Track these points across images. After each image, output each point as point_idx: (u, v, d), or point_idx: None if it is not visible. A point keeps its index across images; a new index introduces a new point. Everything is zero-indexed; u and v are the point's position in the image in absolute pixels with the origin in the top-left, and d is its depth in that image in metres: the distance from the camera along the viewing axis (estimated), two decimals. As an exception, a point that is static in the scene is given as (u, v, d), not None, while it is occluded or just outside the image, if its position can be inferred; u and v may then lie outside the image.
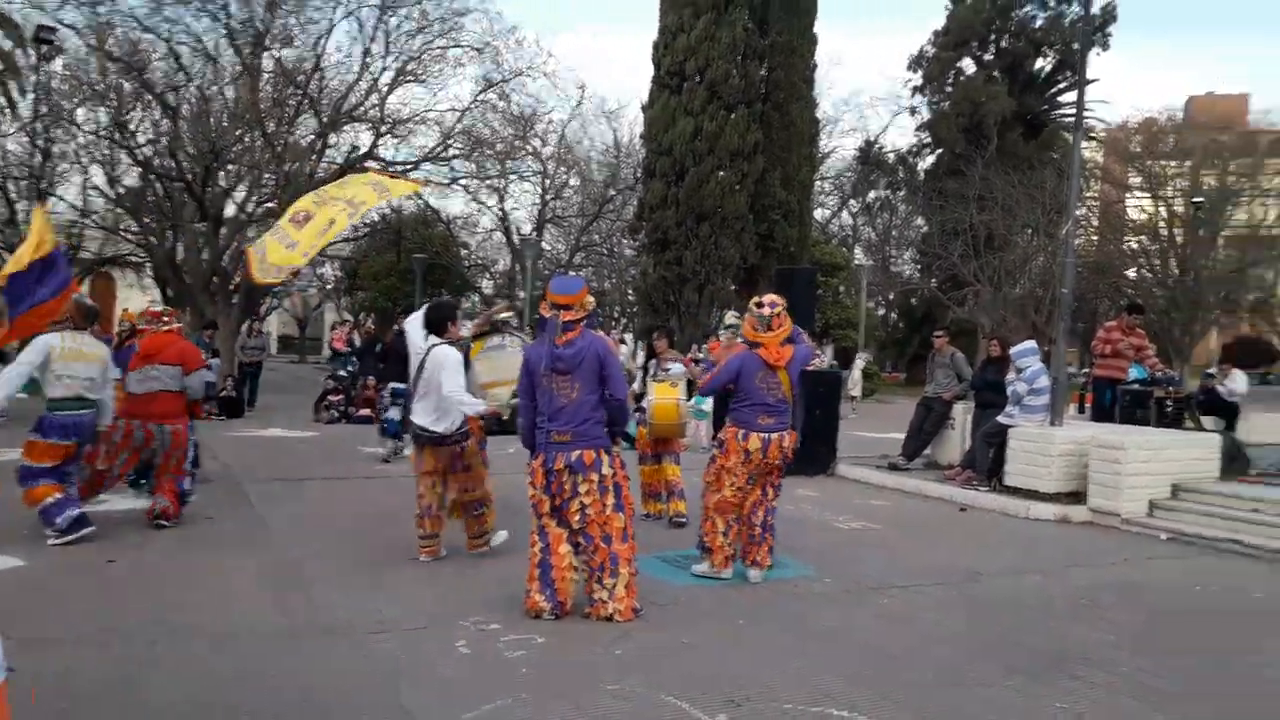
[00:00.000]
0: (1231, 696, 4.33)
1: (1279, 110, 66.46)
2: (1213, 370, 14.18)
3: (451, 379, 6.07)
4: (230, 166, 23.63)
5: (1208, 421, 11.83)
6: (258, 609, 5.26)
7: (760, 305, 6.18)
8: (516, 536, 6.44)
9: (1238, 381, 12.75)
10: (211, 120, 21.77)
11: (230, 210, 24.17)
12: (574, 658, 4.60)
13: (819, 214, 43.37)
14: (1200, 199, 37.02)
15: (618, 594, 5.18)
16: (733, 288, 26.54)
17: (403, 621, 5.05)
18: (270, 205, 24.25)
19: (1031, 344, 10.56)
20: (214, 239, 22.84)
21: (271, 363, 38.61)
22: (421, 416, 6.24)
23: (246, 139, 22.75)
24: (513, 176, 30.47)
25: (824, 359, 27.18)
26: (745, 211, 25.75)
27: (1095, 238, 41.72)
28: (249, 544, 6.91)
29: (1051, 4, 44.45)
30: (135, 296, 37.25)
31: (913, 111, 46.72)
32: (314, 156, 23.70)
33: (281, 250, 7.28)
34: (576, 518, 5.23)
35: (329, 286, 49.38)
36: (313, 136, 24.26)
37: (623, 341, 20.36)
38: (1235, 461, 9.55)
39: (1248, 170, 40.27)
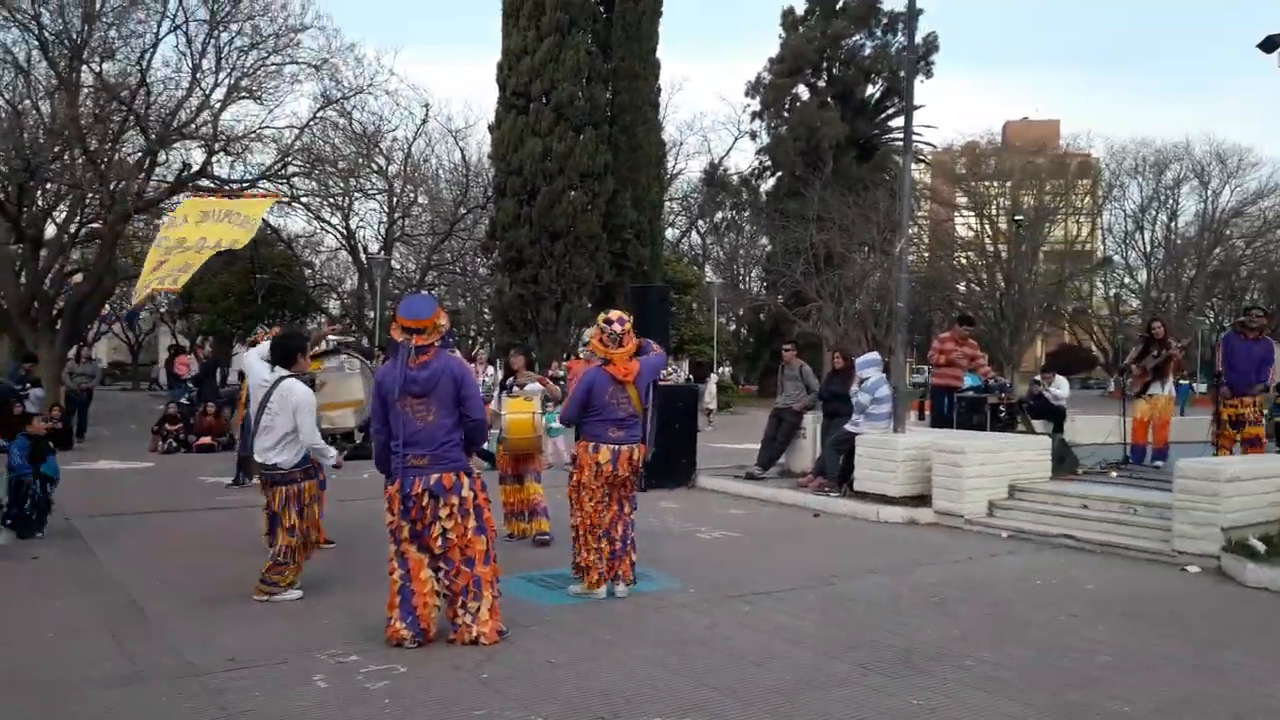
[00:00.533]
0: (1068, 684, 4.60)
1: (1087, 135, 71.77)
2: (1039, 377, 15.17)
3: (307, 422, 5.82)
4: (49, 185, 22.11)
5: (1038, 425, 12.62)
6: (98, 654, 4.90)
7: (610, 322, 6.23)
8: (369, 565, 6.23)
9: (1062, 387, 13.70)
10: (25, 136, 20.31)
11: (51, 231, 22.62)
12: (439, 685, 4.48)
13: (670, 233, 44.16)
14: (1020, 217, 39.66)
15: (481, 617, 5.08)
16: (589, 305, 26.67)
17: (256, 658, 4.80)
18: (95, 226, 22.84)
19: (874, 356, 11.02)
20: (33, 262, 21.32)
21: (102, 391, 36.26)
22: (263, 452, 5.95)
23: (66, 156, 21.34)
24: (357, 194, 29.71)
25: (679, 374, 27.65)
26: (598, 231, 25.98)
27: (927, 254, 44.12)
28: (83, 584, 6.44)
29: (878, 34, 46.84)
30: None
31: (753, 136, 48.30)
32: (142, 175, 22.45)
33: (148, 276, 7.02)
34: (438, 542, 5.10)
35: (163, 310, 46.84)
36: (140, 154, 22.99)
37: (492, 363, 20.15)
38: (1064, 461, 10.21)
39: (1060, 190, 43.45)
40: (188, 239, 7.57)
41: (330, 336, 7.78)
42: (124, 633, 5.28)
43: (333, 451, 6.07)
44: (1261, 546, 7.08)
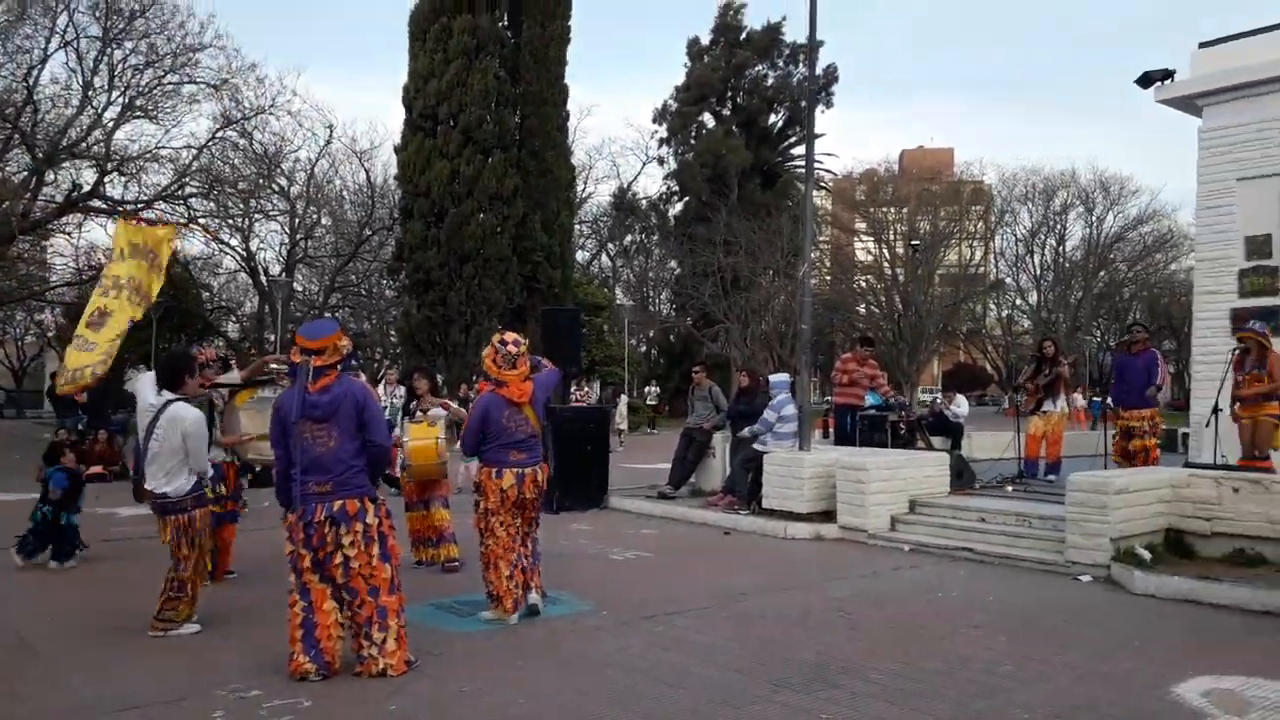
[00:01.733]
0: (972, 694, 4.73)
1: (980, 163, 74.61)
2: (939, 397, 15.67)
3: (198, 449, 5.65)
4: (-76, 204, 21.01)
5: (936, 441, 12.99)
6: (-22, 697, 4.64)
7: (504, 343, 6.18)
8: (271, 598, 6.05)
9: (961, 405, 14.16)
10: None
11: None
12: (346, 718, 4.37)
13: (580, 256, 44.24)
14: (917, 242, 40.91)
15: (388, 648, 4.97)
16: (499, 328, 26.49)
17: (153, 696, 4.60)
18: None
19: (784, 376, 11.21)
20: (-95, 284, 20.19)
21: (-20, 421, 34.35)
22: (152, 479, 5.73)
23: (-56, 173, 20.34)
24: (258, 216, 29.01)
25: (591, 396, 27.63)
26: (508, 253, 25.89)
27: (829, 278, 45.14)
28: (-40, 626, 6.09)
29: (780, 64, 47.93)
30: None
31: (661, 161, 48.83)
32: (28, 195, 21.51)
33: (79, 355, 6.64)
34: (340, 571, 4.97)
35: (50, 334, 44.74)
36: (25, 173, 22.03)
37: (402, 382, 19.80)
38: (962, 477, 10.53)
39: (955, 216, 45.01)
40: (120, 276, 7.20)
41: (271, 365, 7.51)
42: (15, 671, 5.02)
43: (208, 468, 5.89)
44: (1147, 555, 7.43)
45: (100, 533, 9.99)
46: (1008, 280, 49.24)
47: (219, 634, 5.81)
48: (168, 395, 5.77)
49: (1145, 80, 12.46)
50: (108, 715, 4.36)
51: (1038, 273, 48.21)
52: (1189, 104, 12.20)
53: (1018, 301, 50.27)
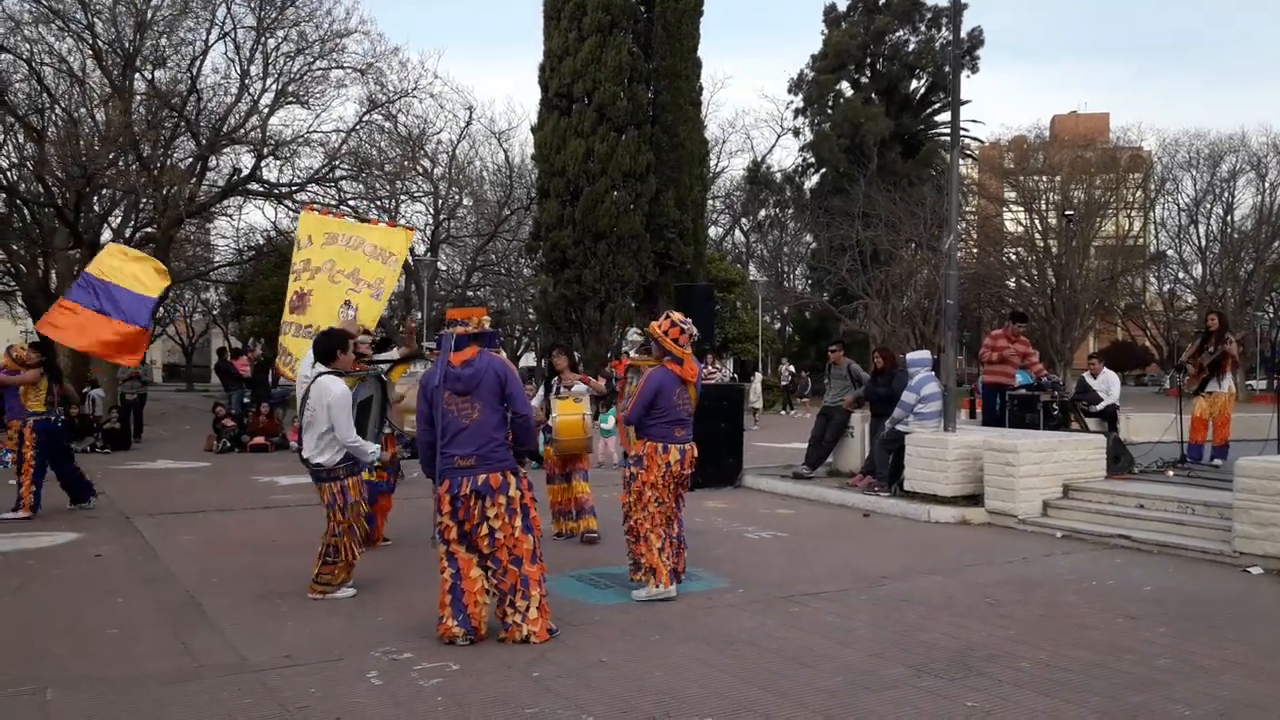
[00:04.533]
0: (1126, 686, 4.51)
1: (1138, 128, 70.41)
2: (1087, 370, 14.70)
3: (345, 424, 5.86)
4: (104, 191, 22.64)
5: (1092, 423, 12.38)
6: (158, 650, 5.01)
7: (687, 321, 6.22)
8: (422, 564, 6.29)
9: (1111, 383, 13.29)
10: (81, 143, 20.82)
11: (107, 236, 23.13)
12: (490, 683, 4.51)
13: (713, 232, 44.09)
14: (1071, 212, 38.94)
15: (531, 616, 5.10)
16: (632, 305, 26.70)
17: (311, 655, 4.88)
18: (149, 230, 23.35)
19: (924, 354, 10.89)
20: (90, 266, 21.81)
21: (157, 392, 36.99)
22: (307, 449, 6.02)
23: (120, 162, 21.84)
24: (403, 197, 30.05)
25: (724, 373, 27.58)
26: (641, 230, 25.97)
27: (975, 250, 43.50)
28: (143, 581, 6.59)
29: (922, 29, 46.39)
30: (5, 326, 35.31)
31: (796, 133, 48.08)
32: (194, 179, 22.90)
33: (301, 342, 7.10)
34: (485, 542, 5.13)
35: (215, 312, 47.72)
36: (191, 159, 23.46)
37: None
38: (1119, 460, 10.00)
39: (1111, 184, 42.60)
40: (313, 260, 7.64)
41: (426, 344, 7.86)
42: (184, 629, 5.39)
43: (372, 448, 6.09)
44: (1327, 547, 6.90)
45: (261, 500, 10.64)
46: (1169, 252, 46.42)
47: (373, 597, 6.09)
48: (320, 369, 6.07)
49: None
50: (270, 672, 4.63)
51: (1202, 244, 45.25)
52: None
53: (1180, 275, 47.35)
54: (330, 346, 6.19)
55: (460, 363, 5.14)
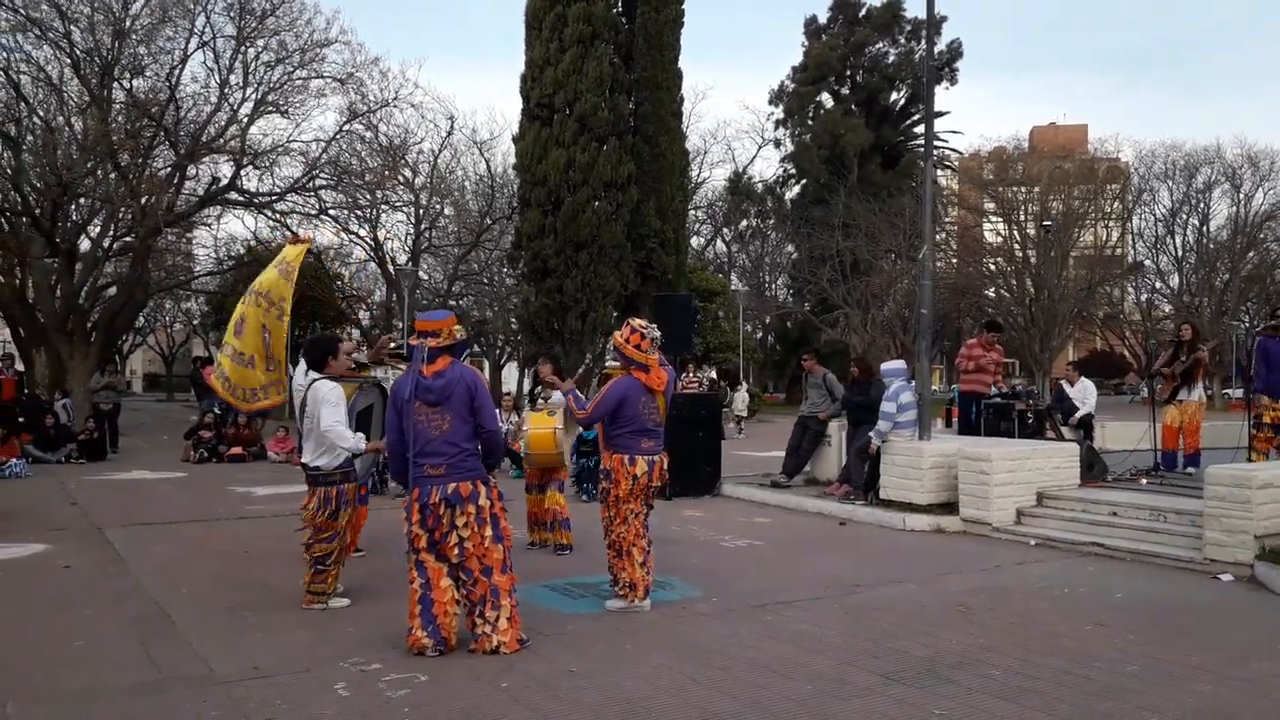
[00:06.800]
0: (1096, 694, 4.53)
1: (1115, 140, 70.97)
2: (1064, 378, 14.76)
3: (330, 414, 5.87)
4: (82, 200, 22.49)
5: (1066, 431, 12.45)
6: (125, 662, 4.96)
7: (650, 326, 6.14)
8: (392, 574, 6.25)
9: (1087, 391, 13.38)
10: (59, 152, 20.67)
11: (85, 246, 22.97)
12: (459, 694, 4.48)
13: (694, 242, 44.12)
14: (1049, 223, 39.23)
15: (501, 626, 5.08)
16: (614, 315, 26.69)
17: (278, 666, 4.84)
18: (128, 239, 23.19)
19: (899, 364, 10.93)
20: (68, 275, 21.66)
21: (137, 402, 36.66)
22: (307, 454, 6.04)
23: (98, 172, 21.70)
24: (384, 206, 29.96)
25: (704, 383, 27.58)
26: (623, 240, 25.99)
27: (955, 261, 43.78)
28: (112, 593, 6.52)
29: (902, 41, 46.77)
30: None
31: (777, 144, 48.28)
32: (172, 189, 22.77)
33: (242, 371, 6.95)
34: (455, 551, 5.11)
35: (195, 322, 47.40)
36: (170, 169, 23.32)
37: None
38: (1093, 468, 10.06)
39: (1089, 195, 42.97)
40: (258, 286, 7.50)
41: (391, 345, 7.81)
42: (151, 641, 5.34)
43: (359, 438, 6.05)
44: (1296, 554, 6.95)
45: (236, 510, 10.55)
46: (1147, 262, 46.78)
47: (343, 608, 6.05)
48: (313, 375, 6.07)
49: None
50: (237, 684, 4.58)
51: (1179, 254, 45.65)
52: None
53: (1158, 285, 47.73)
54: (320, 354, 6.20)
55: (432, 374, 5.13)
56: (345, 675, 4.71)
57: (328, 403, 5.88)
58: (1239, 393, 45.46)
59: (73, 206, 22.45)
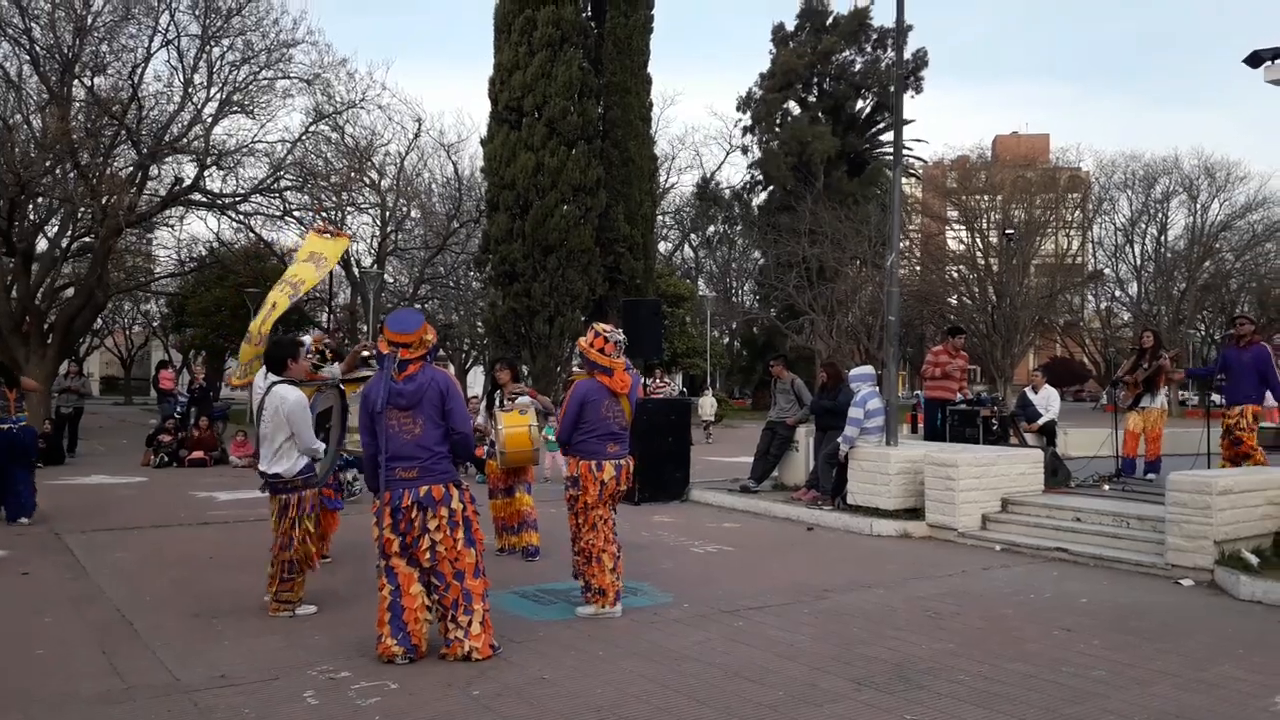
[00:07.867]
0: (1063, 699, 4.58)
1: (1076, 149, 72.11)
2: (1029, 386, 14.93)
3: (300, 427, 5.79)
4: (40, 199, 22.06)
5: (1030, 438, 12.60)
6: (87, 670, 4.86)
7: (615, 330, 6.14)
8: (364, 580, 6.20)
9: (1051, 398, 13.54)
10: (16, 150, 20.28)
11: (43, 246, 22.54)
12: (431, 702, 4.45)
13: (662, 247, 44.25)
14: (1011, 231, 39.75)
15: (474, 632, 5.05)
16: (582, 319, 26.67)
17: (246, 675, 4.77)
18: (87, 240, 22.79)
19: (866, 369, 11.02)
20: (24, 276, 21.24)
21: (94, 405, 36.06)
22: (264, 460, 5.95)
23: (57, 170, 21.30)
24: (350, 208, 29.70)
25: (673, 387, 27.64)
26: (591, 245, 25.98)
27: (918, 268, 44.20)
28: (72, 599, 6.40)
29: (868, 49, 47.20)
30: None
31: (744, 150, 48.53)
32: (134, 189, 22.41)
33: (248, 347, 6.92)
34: (427, 555, 5.07)
35: (155, 324, 46.71)
36: (132, 168, 22.96)
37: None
38: (1057, 474, 10.20)
39: (1051, 204, 43.60)
40: (293, 275, 7.53)
41: (363, 354, 7.71)
42: (114, 649, 5.24)
43: (318, 445, 6.01)
44: (1255, 559, 7.09)
45: (199, 515, 10.40)
46: (1106, 271, 47.54)
47: (312, 615, 5.98)
48: (273, 378, 5.98)
49: (1254, 60, 11.79)
50: (203, 693, 4.51)
51: (1138, 263, 46.43)
52: (1303, 84, 11.52)
53: (1117, 293, 48.52)
54: (281, 355, 6.10)
55: (403, 378, 5.09)
56: (314, 683, 4.65)
57: (298, 417, 5.81)
58: (1194, 399, 46.36)
59: (30, 206, 22.01)
